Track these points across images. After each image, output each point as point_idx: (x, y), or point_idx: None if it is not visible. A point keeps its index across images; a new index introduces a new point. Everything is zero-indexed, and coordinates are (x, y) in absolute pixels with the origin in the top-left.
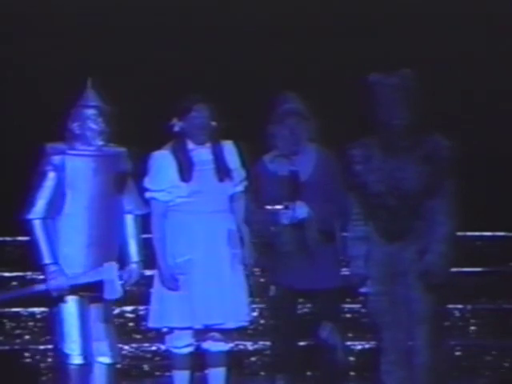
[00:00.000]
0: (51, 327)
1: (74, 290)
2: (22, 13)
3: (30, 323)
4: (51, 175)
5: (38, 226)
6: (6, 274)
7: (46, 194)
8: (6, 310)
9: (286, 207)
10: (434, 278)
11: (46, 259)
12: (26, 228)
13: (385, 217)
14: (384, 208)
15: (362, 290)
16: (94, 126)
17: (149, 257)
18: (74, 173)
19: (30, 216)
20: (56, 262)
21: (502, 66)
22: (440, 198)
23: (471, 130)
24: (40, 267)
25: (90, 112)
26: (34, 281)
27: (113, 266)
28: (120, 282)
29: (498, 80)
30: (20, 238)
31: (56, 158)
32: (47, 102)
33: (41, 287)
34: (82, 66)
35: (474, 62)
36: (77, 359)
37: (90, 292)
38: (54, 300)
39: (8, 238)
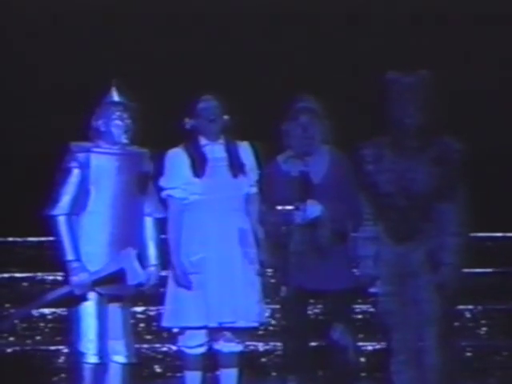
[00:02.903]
0: (67, 325)
1: (97, 285)
2: (47, 11)
3: (41, 324)
4: (76, 172)
5: (62, 222)
6: (17, 275)
7: (70, 191)
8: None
9: (297, 208)
10: (450, 288)
11: (69, 256)
12: (50, 224)
13: (394, 217)
14: (394, 208)
15: (372, 290)
16: (119, 122)
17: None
18: (99, 170)
19: (55, 212)
20: (78, 259)
21: None
22: (452, 203)
23: (484, 130)
24: (62, 264)
25: (116, 108)
26: (44, 281)
27: (130, 251)
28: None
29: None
30: (31, 239)
31: (81, 156)
32: (69, 102)
33: (64, 289)
34: (103, 65)
35: (488, 64)
36: (92, 358)
37: (112, 285)
38: (75, 298)
39: (19, 239)
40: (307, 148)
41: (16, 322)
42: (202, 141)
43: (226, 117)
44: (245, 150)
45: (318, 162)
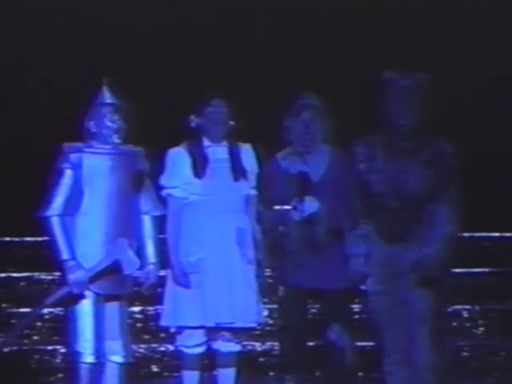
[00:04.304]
0: (64, 325)
1: (94, 280)
2: (37, 11)
3: (39, 323)
4: (68, 173)
5: (55, 222)
6: (14, 275)
7: (63, 192)
8: (14, 310)
9: (295, 208)
10: (426, 271)
11: (64, 255)
12: (43, 226)
13: (386, 218)
14: (385, 209)
15: (363, 287)
16: (110, 123)
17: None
18: (91, 170)
19: (48, 213)
20: (74, 258)
21: None
22: (442, 203)
23: (482, 130)
24: (58, 264)
25: (107, 110)
26: (41, 281)
27: (122, 242)
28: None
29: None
30: (27, 239)
31: (73, 156)
32: (61, 103)
33: (63, 290)
34: (96, 65)
35: (487, 66)
36: (89, 358)
37: (110, 280)
38: (73, 297)
39: (16, 239)
40: (308, 144)
41: (13, 321)
42: (205, 142)
43: (231, 122)
44: (247, 152)
45: (317, 161)
